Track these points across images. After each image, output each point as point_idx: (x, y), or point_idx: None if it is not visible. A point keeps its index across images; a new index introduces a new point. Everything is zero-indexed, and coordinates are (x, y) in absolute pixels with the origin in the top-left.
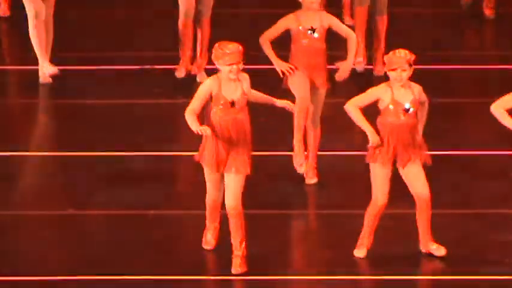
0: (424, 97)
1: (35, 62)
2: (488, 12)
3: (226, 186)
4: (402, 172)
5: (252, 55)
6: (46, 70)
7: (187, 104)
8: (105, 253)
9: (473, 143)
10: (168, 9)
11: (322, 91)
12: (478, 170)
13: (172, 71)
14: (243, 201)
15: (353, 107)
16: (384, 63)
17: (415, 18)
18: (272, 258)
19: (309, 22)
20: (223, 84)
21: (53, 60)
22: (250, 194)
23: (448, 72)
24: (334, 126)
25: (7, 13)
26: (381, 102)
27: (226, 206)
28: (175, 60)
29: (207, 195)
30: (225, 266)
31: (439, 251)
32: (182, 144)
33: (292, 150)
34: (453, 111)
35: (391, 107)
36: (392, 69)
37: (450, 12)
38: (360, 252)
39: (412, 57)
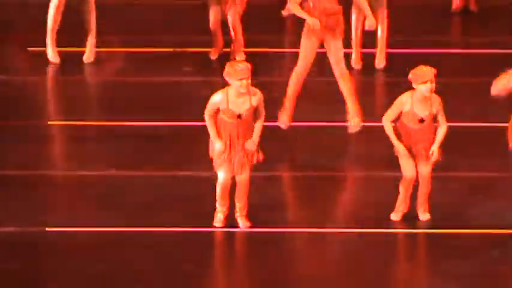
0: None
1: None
2: (473, 7)
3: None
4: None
5: None
6: (50, 56)
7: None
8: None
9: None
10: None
11: (339, 42)
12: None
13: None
14: None
15: (387, 123)
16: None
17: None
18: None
19: None
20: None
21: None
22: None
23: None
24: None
25: None
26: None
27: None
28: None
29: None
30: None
31: (424, 216)
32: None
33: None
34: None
35: (410, 115)
36: (424, 82)
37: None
38: (396, 216)
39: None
